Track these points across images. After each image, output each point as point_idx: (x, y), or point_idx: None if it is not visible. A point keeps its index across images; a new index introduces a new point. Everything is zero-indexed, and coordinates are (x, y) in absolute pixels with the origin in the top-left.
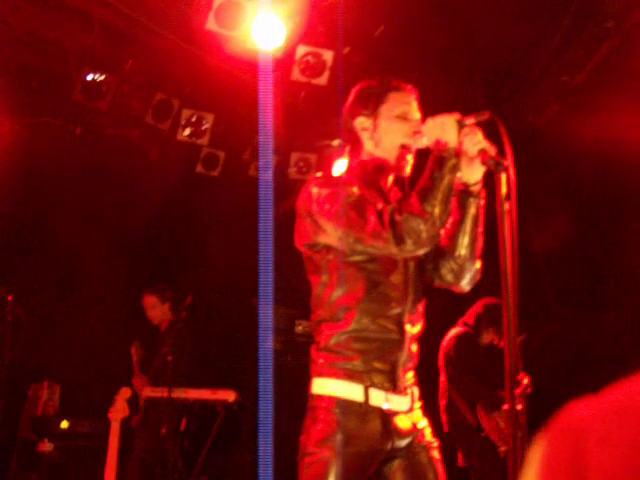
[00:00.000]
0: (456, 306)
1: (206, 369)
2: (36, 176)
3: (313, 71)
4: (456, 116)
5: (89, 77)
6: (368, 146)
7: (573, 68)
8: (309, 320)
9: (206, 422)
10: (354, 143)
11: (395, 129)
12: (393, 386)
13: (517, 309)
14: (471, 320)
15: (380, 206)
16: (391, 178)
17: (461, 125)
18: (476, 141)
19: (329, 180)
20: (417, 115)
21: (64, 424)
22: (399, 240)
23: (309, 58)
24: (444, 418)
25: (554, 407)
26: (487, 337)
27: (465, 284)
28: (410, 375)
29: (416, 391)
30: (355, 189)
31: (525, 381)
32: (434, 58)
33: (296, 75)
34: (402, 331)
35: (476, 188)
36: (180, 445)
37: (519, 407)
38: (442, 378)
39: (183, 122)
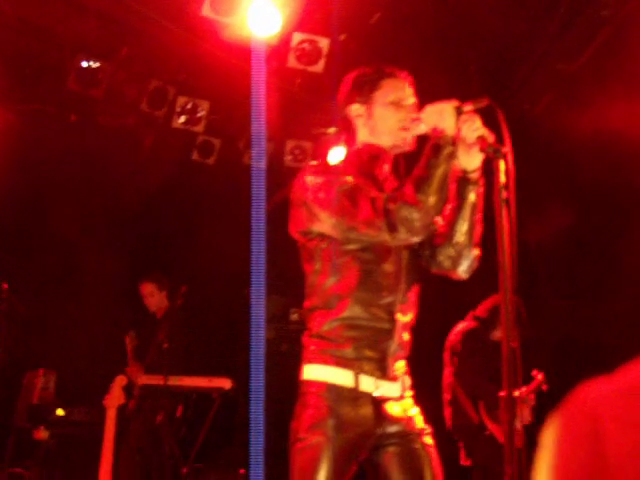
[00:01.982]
0: (459, 298)
1: (202, 357)
2: (30, 164)
3: (309, 58)
4: (454, 103)
5: (84, 64)
6: (363, 133)
7: (569, 56)
8: (302, 307)
9: (202, 410)
10: (349, 130)
11: (389, 115)
12: (383, 373)
13: (515, 297)
14: (484, 314)
15: (374, 194)
16: (387, 167)
17: (459, 112)
18: (474, 128)
19: (324, 168)
20: (412, 101)
21: (60, 412)
22: (392, 228)
23: (305, 45)
24: (447, 413)
25: (553, 398)
26: (499, 333)
27: (462, 271)
28: (401, 364)
29: (407, 380)
30: (349, 178)
31: (539, 377)
32: (430, 45)
33: (292, 62)
34: (393, 320)
35: (475, 175)
36: (176, 433)
37: (516, 394)
38: (446, 372)
39: (178, 109)
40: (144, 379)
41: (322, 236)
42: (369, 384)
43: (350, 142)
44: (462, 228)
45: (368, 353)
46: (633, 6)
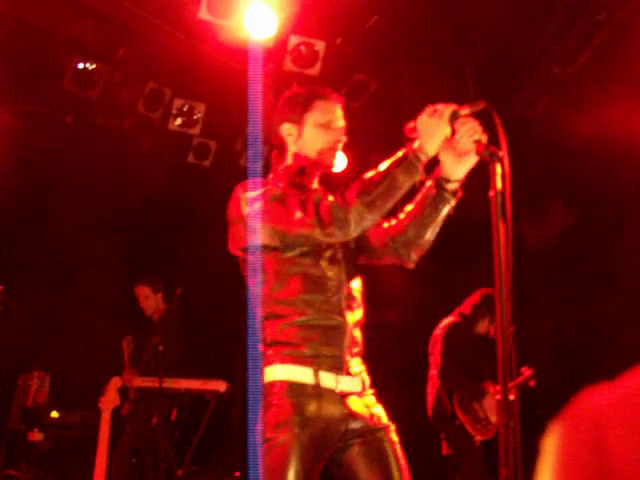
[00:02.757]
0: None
1: (197, 360)
2: (26, 165)
3: (305, 61)
4: (452, 107)
5: (80, 66)
6: (292, 150)
7: (565, 60)
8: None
9: (197, 412)
10: (280, 148)
11: (317, 137)
12: (342, 369)
13: (511, 300)
14: (468, 310)
15: (304, 197)
16: (316, 180)
17: (456, 116)
18: (472, 132)
19: (255, 184)
20: (342, 123)
21: (54, 414)
22: (324, 225)
23: (301, 48)
24: (429, 405)
25: (549, 399)
26: (482, 327)
27: (414, 260)
28: (358, 361)
29: (367, 377)
30: (279, 189)
31: (527, 373)
32: (426, 49)
33: (288, 65)
34: (342, 318)
35: (454, 186)
36: (171, 435)
37: (512, 397)
38: (431, 366)
39: (175, 112)
40: (139, 381)
41: (262, 248)
42: (330, 380)
43: (280, 160)
44: (432, 231)
45: (325, 351)
46: (629, 10)
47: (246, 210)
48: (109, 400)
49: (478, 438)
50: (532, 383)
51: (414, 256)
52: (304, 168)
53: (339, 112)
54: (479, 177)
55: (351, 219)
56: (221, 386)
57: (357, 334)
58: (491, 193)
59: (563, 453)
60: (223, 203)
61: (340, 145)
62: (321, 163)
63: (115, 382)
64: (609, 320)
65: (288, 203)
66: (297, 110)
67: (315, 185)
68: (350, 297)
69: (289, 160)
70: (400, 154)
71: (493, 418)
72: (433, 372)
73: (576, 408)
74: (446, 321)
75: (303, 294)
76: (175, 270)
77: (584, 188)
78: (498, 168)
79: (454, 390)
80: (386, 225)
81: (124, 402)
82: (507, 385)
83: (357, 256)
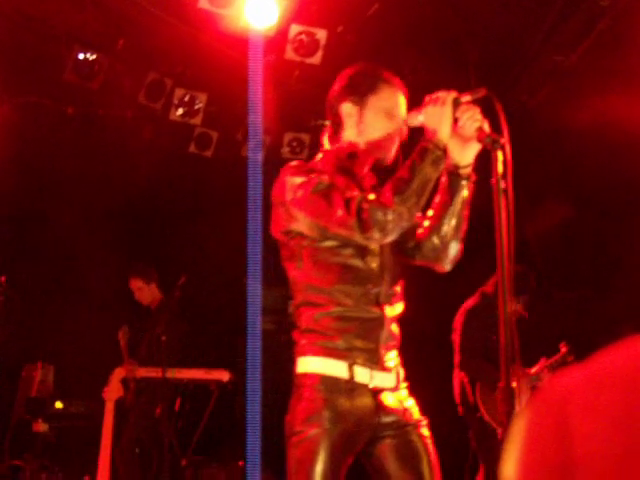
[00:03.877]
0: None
1: (199, 349)
2: (27, 157)
3: (306, 50)
4: (453, 94)
5: (80, 56)
6: (350, 133)
7: (567, 48)
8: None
9: (200, 402)
10: (337, 127)
11: (380, 124)
12: (377, 364)
13: (512, 287)
14: (491, 289)
15: (349, 195)
16: (366, 168)
17: (457, 103)
18: (474, 119)
19: (302, 168)
20: (403, 113)
21: (58, 404)
22: (364, 229)
23: (302, 37)
24: (456, 397)
25: None
26: (510, 307)
27: (447, 263)
28: (394, 354)
29: (401, 371)
30: (326, 177)
31: (564, 349)
32: (427, 37)
33: (289, 54)
34: (381, 311)
35: (467, 171)
36: (174, 425)
37: (514, 384)
38: (455, 354)
39: (176, 102)
40: (142, 372)
41: (302, 235)
42: (364, 375)
43: (335, 139)
44: (450, 222)
45: (359, 344)
46: None
47: (289, 196)
48: (113, 390)
49: (500, 430)
50: (570, 358)
51: (445, 258)
52: (356, 153)
53: (402, 100)
54: (480, 166)
55: (390, 221)
56: (224, 375)
57: (394, 328)
58: (493, 180)
59: (527, 437)
60: (225, 193)
61: (399, 138)
62: (377, 153)
63: (118, 372)
64: (612, 311)
65: (332, 198)
66: (361, 90)
67: (366, 168)
68: (390, 291)
69: (344, 141)
70: (415, 150)
71: (517, 407)
72: (455, 361)
73: (542, 392)
74: (467, 304)
75: (341, 284)
76: (177, 260)
77: (586, 177)
78: (500, 155)
79: (476, 380)
80: (421, 230)
81: (128, 393)
82: (509, 372)
83: (398, 250)
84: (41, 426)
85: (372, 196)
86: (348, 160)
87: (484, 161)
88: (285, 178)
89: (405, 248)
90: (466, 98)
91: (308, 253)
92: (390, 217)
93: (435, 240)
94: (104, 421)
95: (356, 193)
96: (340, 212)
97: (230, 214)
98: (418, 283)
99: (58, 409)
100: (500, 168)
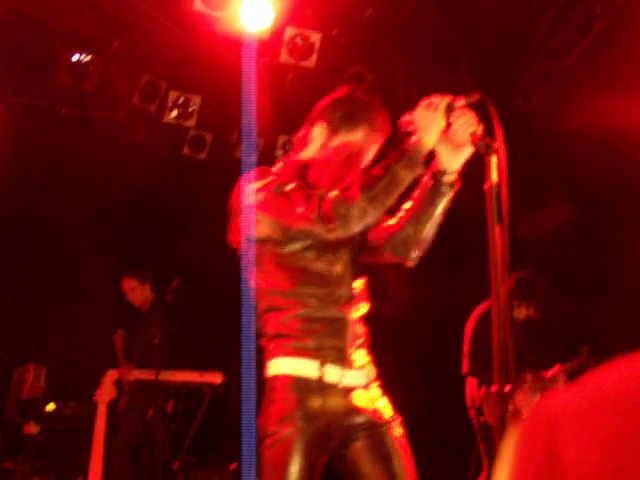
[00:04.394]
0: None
1: (192, 352)
2: (21, 158)
3: (301, 53)
4: (447, 100)
5: (75, 58)
6: (310, 152)
7: (561, 52)
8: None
9: (193, 404)
10: (304, 140)
11: (335, 163)
12: (346, 362)
13: (507, 294)
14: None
15: (309, 191)
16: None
17: (451, 108)
18: (468, 123)
19: (260, 173)
20: (369, 158)
21: (50, 406)
22: (326, 221)
23: (297, 40)
24: (467, 401)
25: None
26: (520, 312)
27: (414, 259)
28: (363, 353)
29: (372, 370)
30: (285, 179)
31: (584, 353)
32: (422, 40)
33: (284, 57)
34: (344, 312)
35: (452, 178)
36: (167, 428)
37: (507, 389)
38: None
39: (170, 104)
40: (135, 374)
41: (264, 240)
42: (335, 374)
43: (299, 149)
44: (426, 224)
45: (329, 343)
46: (625, 1)
47: (249, 201)
48: (105, 393)
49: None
50: (590, 361)
51: (413, 254)
52: (310, 168)
53: (375, 147)
54: (474, 170)
55: (353, 215)
56: (217, 378)
57: (359, 328)
58: (486, 185)
59: (516, 455)
60: (219, 195)
61: (354, 174)
62: (324, 181)
63: (111, 375)
64: (609, 316)
65: (292, 196)
66: (338, 122)
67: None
68: (353, 293)
69: (303, 156)
70: (394, 150)
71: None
72: (465, 366)
73: (533, 412)
74: (478, 309)
75: (305, 286)
76: (171, 262)
77: (581, 180)
78: (494, 160)
79: (482, 383)
80: (386, 224)
81: (120, 396)
82: (503, 376)
83: (360, 253)
84: (33, 428)
85: (334, 192)
86: (304, 171)
87: (478, 166)
88: (243, 186)
89: (372, 246)
90: (460, 102)
91: (271, 259)
92: (353, 211)
93: (407, 236)
94: (96, 423)
95: (317, 190)
96: (301, 208)
97: (223, 216)
98: (418, 285)
99: (50, 411)
100: (494, 173)
